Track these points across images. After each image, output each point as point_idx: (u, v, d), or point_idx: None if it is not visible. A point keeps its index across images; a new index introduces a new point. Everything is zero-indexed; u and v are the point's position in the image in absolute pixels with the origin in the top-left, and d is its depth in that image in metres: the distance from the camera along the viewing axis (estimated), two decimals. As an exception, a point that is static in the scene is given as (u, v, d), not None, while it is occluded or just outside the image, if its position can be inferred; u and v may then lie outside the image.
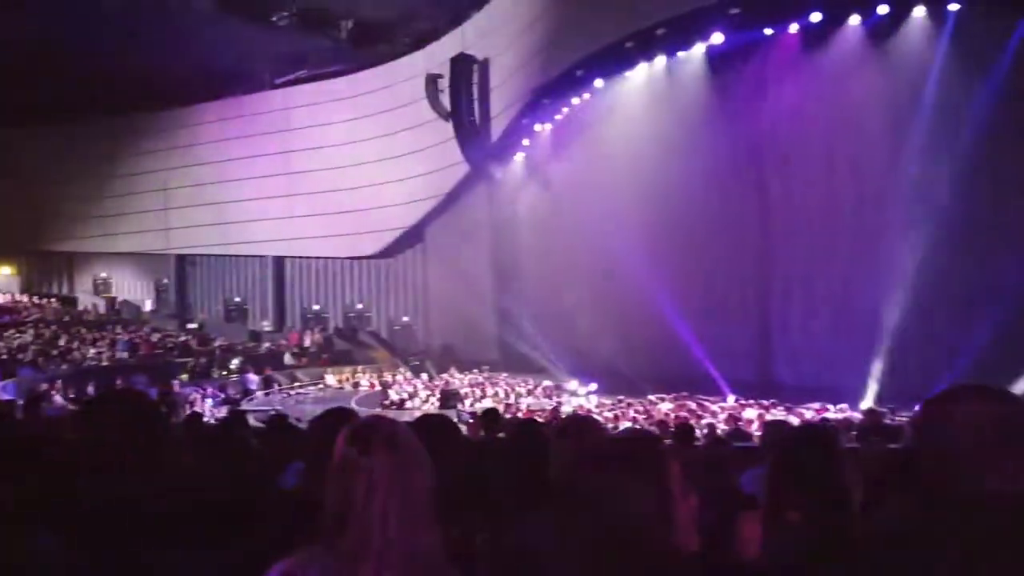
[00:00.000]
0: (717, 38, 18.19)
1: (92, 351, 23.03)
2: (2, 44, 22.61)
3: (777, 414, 14.05)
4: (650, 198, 19.72)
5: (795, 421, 11.45)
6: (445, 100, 23.73)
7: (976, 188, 15.30)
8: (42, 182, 31.80)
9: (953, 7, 15.79)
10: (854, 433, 8.61)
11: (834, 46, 17.28)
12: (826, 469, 2.17)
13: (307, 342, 27.86)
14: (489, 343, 25.04)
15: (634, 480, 1.59)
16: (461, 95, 23.14)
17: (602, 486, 1.60)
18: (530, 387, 20.87)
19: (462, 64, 23.21)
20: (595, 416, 13.02)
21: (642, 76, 20.50)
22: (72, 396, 16.96)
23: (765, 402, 15.65)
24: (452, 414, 14.65)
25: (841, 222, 17.46)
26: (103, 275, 34.70)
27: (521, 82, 21.78)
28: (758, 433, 10.05)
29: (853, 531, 1.98)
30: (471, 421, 10.40)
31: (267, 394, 22.13)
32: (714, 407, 15.68)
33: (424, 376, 24.15)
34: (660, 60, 19.87)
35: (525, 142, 24.07)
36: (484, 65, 23.39)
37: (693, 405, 15.89)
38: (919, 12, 16.34)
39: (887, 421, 10.33)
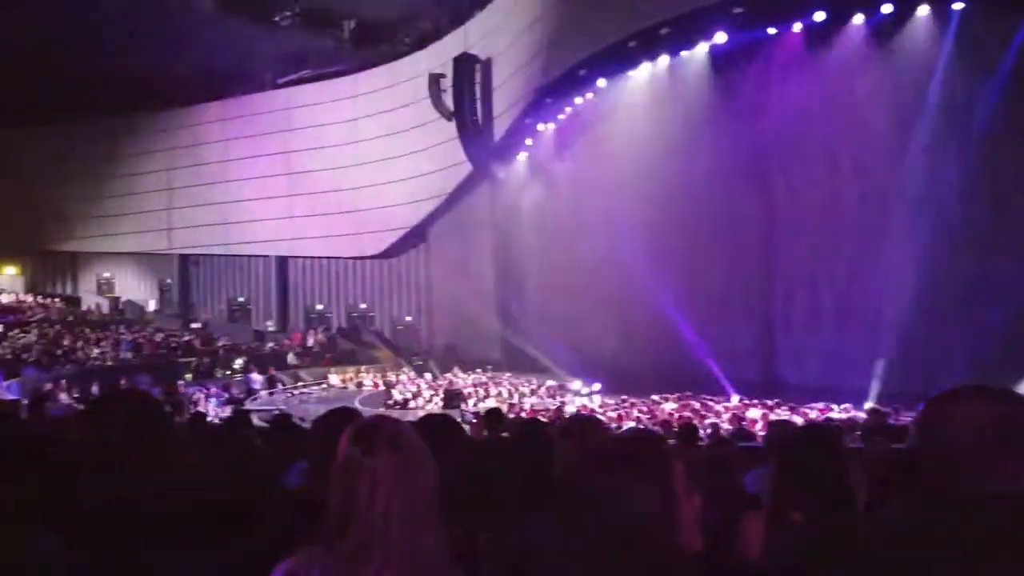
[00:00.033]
0: (720, 37, 18.16)
1: (96, 351, 23.07)
2: (3, 44, 22.65)
3: (781, 414, 14.02)
4: (653, 198, 19.69)
5: (799, 421, 11.43)
6: (448, 100, 23.74)
7: (981, 187, 15.26)
8: (45, 182, 31.86)
9: (957, 6, 15.75)
10: (858, 433, 8.60)
11: (838, 45, 17.24)
12: (829, 469, 2.17)
13: (310, 342, 27.89)
14: (492, 343, 25.04)
15: (637, 480, 1.59)
16: (464, 95, 23.15)
17: (605, 486, 1.60)
18: (533, 387, 20.87)
19: (465, 64, 23.22)
20: (598, 416, 13.01)
21: (645, 76, 20.47)
22: (76, 396, 16.99)
23: (769, 402, 15.62)
24: (455, 414, 14.65)
25: (845, 221, 17.41)
26: (106, 275, 34.78)
27: (524, 81, 21.77)
28: (762, 433, 10.03)
29: (856, 531, 1.97)
30: (474, 421, 10.39)
31: (271, 394, 22.16)
32: (718, 407, 15.66)
33: (427, 376, 24.16)
34: (663, 59, 19.84)
35: (528, 142, 24.06)
36: (487, 64, 23.39)
37: (697, 405, 15.86)
38: (923, 11, 16.30)
39: (891, 421, 10.31)
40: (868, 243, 16.85)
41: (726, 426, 11.58)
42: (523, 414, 15.67)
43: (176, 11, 22.83)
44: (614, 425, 12.03)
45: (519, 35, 21.79)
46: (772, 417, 13.33)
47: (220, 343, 26.82)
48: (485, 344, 25.04)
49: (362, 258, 29.14)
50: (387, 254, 28.38)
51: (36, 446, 2.45)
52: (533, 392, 20.28)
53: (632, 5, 18.11)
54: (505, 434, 5.56)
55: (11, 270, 34.77)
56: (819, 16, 17.01)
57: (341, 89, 27.78)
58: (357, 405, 14.24)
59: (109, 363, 22.12)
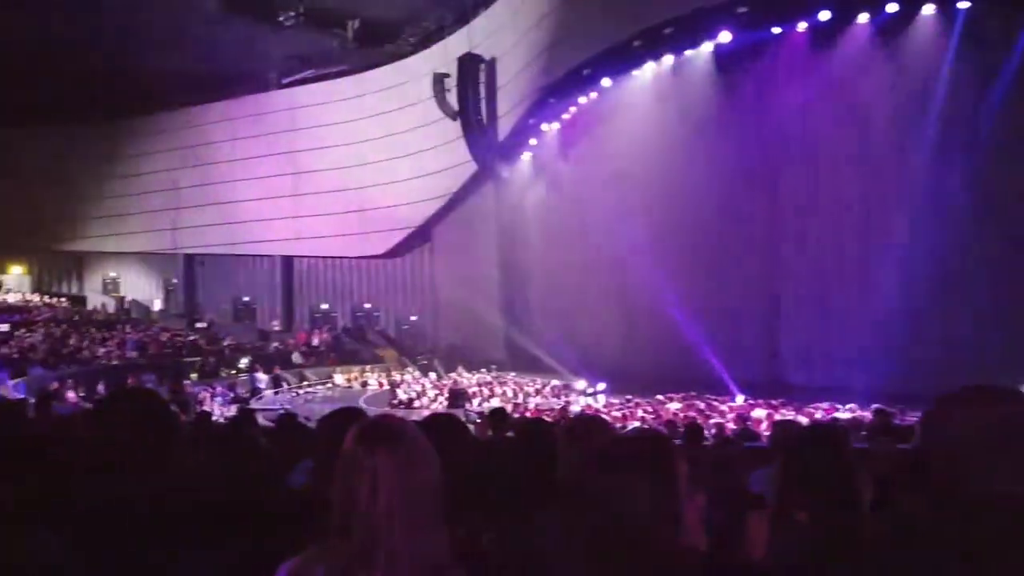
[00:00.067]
0: (725, 37, 18.14)
1: (101, 350, 23.13)
2: (4, 44, 22.74)
3: (786, 414, 13.98)
4: (658, 197, 19.68)
5: (804, 421, 11.40)
6: (452, 99, 23.75)
7: (986, 187, 15.23)
8: (50, 182, 31.96)
9: (962, 5, 15.71)
10: (864, 433, 8.57)
11: (843, 44, 17.22)
12: (834, 469, 2.17)
13: (315, 341, 27.93)
14: (497, 342, 25.04)
15: (642, 480, 1.59)
16: (468, 94, 23.16)
17: (610, 485, 1.60)
18: (538, 386, 20.84)
19: (469, 63, 23.22)
20: (603, 416, 13.00)
21: (649, 75, 20.46)
22: (82, 395, 17.03)
23: (774, 402, 15.59)
24: (459, 413, 14.66)
25: (850, 220, 17.39)
26: (112, 275, 34.89)
27: (528, 81, 21.77)
28: (767, 433, 10.01)
29: (861, 531, 1.97)
30: (478, 421, 10.39)
31: (276, 393, 22.18)
32: (723, 407, 15.62)
33: (432, 375, 24.17)
34: (667, 59, 19.83)
35: (532, 141, 24.07)
36: (491, 64, 23.40)
37: (702, 405, 15.82)
38: (928, 10, 16.26)
39: (897, 421, 10.27)
40: (873, 242, 16.82)
41: (731, 426, 11.55)
42: (528, 414, 15.66)
43: (181, 11, 22.89)
44: (619, 425, 12.02)
45: (524, 35, 21.79)
46: (777, 417, 13.29)
47: (225, 342, 26.88)
48: (490, 343, 25.04)
49: (367, 258, 29.17)
50: (392, 254, 28.41)
51: (36, 446, 2.46)
52: (538, 392, 20.26)
53: (636, 5, 18.11)
54: (509, 434, 5.55)
55: (17, 270, 34.91)
56: (824, 15, 16.98)
57: (346, 89, 27.80)
58: (362, 404, 14.26)
59: (115, 362, 22.17)
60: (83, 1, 21.76)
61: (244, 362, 24.21)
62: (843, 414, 13.59)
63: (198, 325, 29.70)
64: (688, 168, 19.07)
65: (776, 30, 17.88)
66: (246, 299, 32.20)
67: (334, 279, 30.61)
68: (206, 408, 15.90)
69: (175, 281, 33.33)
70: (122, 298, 33.68)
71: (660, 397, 16.83)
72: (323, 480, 1.82)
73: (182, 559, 1.77)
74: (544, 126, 23.46)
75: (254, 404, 19.03)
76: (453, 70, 23.58)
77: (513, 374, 22.92)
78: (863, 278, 16.92)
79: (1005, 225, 15.13)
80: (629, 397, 17.27)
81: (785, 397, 15.94)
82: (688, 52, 19.30)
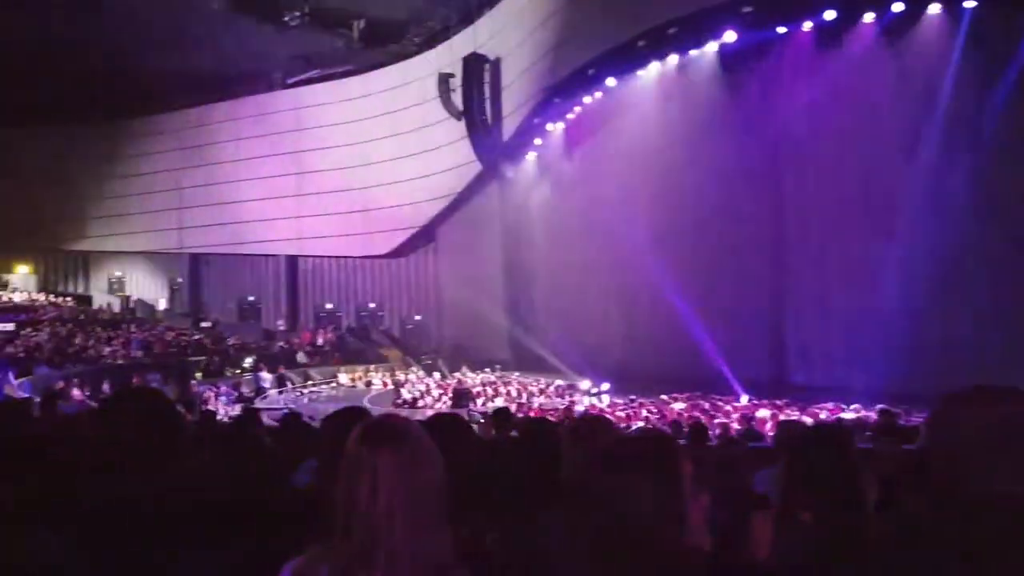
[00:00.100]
0: (730, 36, 18.11)
1: (107, 350, 23.20)
2: (7, 44, 22.82)
3: (791, 414, 13.96)
4: (662, 197, 19.66)
5: (809, 421, 11.38)
6: (457, 99, 23.75)
7: (989, 187, 15.18)
8: (50, 182, 32.06)
9: (969, 4, 15.65)
10: (868, 433, 8.55)
11: (848, 44, 17.17)
12: (839, 469, 2.16)
13: (320, 341, 27.97)
14: (501, 342, 25.05)
15: (646, 480, 1.58)
16: (473, 94, 23.16)
17: (614, 486, 1.60)
18: (542, 386, 20.84)
19: (474, 63, 23.22)
20: (607, 416, 12.99)
21: (654, 75, 20.43)
22: (87, 394, 17.07)
23: (779, 402, 15.56)
24: (463, 413, 14.66)
25: (855, 221, 17.33)
26: (117, 274, 34.99)
27: (533, 81, 21.76)
28: (771, 433, 9.99)
29: (865, 531, 1.97)
30: (482, 420, 10.39)
31: (280, 392, 22.22)
32: (727, 407, 15.60)
33: (436, 375, 24.18)
34: (672, 59, 19.80)
35: (537, 141, 24.06)
36: (496, 64, 23.39)
37: (706, 405, 15.80)
38: (934, 9, 16.21)
39: (901, 422, 10.25)
40: (878, 242, 16.77)
41: (736, 426, 11.54)
42: (532, 414, 15.66)
43: (187, 12, 22.94)
44: (623, 425, 12.01)
45: (528, 34, 21.79)
46: (782, 417, 13.27)
47: (230, 342, 26.93)
48: (494, 343, 25.05)
49: (371, 257, 29.21)
50: (396, 253, 28.43)
51: (37, 446, 2.46)
52: (542, 392, 20.25)
53: (641, 4, 18.09)
54: (513, 433, 5.55)
55: (24, 269, 35.04)
56: (829, 15, 16.94)
57: (351, 89, 27.84)
58: (366, 404, 14.28)
59: (120, 361, 22.24)
60: (83, 1, 21.80)
61: (248, 361, 24.27)
62: (848, 414, 13.57)
63: (203, 324, 29.77)
64: (692, 168, 19.05)
65: (781, 30, 17.83)
66: (251, 299, 32.26)
67: (339, 279, 30.65)
68: (210, 407, 15.93)
69: (180, 281, 33.41)
70: (127, 297, 33.78)
71: (664, 397, 16.81)
72: (327, 480, 1.82)
73: (186, 559, 1.77)
74: (549, 126, 23.45)
75: (258, 403, 19.07)
76: (458, 70, 23.59)
77: (517, 374, 22.92)
78: (867, 278, 16.88)
79: (1008, 226, 15.08)
80: (633, 397, 17.26)
81: (789, 397, 15.92)
82: (693, 52, 19.27)
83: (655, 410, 15.43)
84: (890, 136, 16.75)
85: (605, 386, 19.75)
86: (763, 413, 14.30)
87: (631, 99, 20.88)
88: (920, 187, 15.92)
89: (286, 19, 23.97)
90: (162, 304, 33.26)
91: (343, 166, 27.94)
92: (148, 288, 34.09)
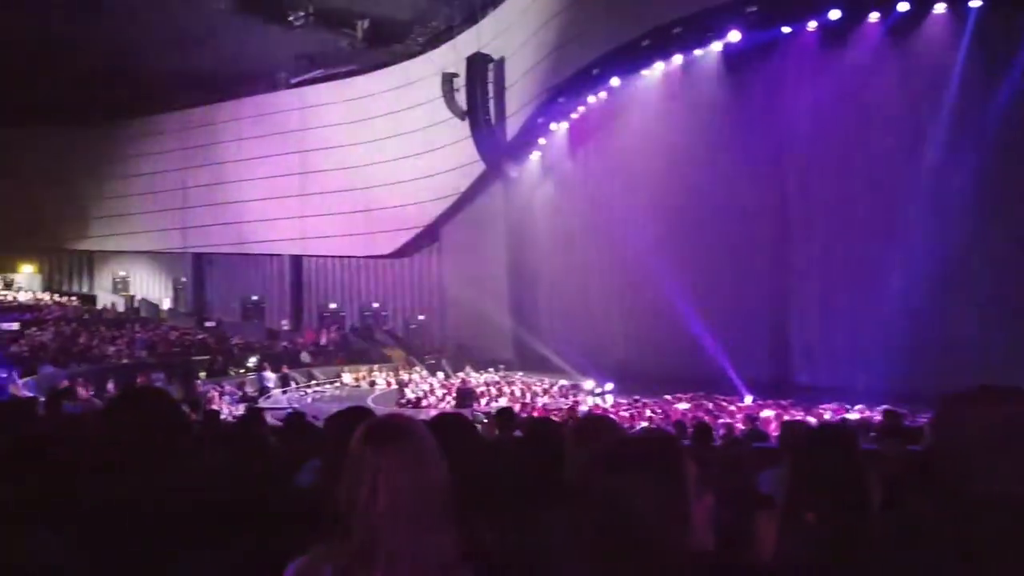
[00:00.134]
0: (734, 36, 18.08)
1: (111, 349, 23.25)
2: (7, 44, 22.87)
3: (795, 414, 13.93)
4: (666, 197, 19.64)
5: (813, 421, 11.36)
6: (461, 99, 23.77)
7: (996, 187, 15.13)
8: (51, 182, 32.14)
9: (974, 3, 15.60)
10: (873, 434, 8.53)
11: (853, 44, 17.13)
12: (843, 470, 2.16)
13: (324, 340, 28.00)
14: (505, 342, 25.05)
15: (649, 480, 1.58)
16: (477, 94, 23.17)
17: (617, 486, 1.59)
18: (546, 386, 20.83)
19: (478, 63, 23.23)
20: (611, 416, 12.98)
21: (658, 75, 20.41)
22: (92, 392, 17.11)
23: (783, 402, 15.54)
24: (467, 413, 14.66)
25: (859, 221, 17.30)
26: (122, 274, 35.08)
27: (537, 81, 21.76)
28: (776, 433, 9.98)
29: (869, 532, 1.96)
30: (486, 420, 10.39)
31: (284, 392, 22.25)
32: (731, 407, 15.58)
33: (440, 375, 24.19)
34: (677, 58, 19.77)
35: (541, 141, 24.05)
36: (500, 64, 23.40)
37: (710, 405, 15.79)
38: (939, 9, 16.17)
39: (906, 422, 10.23)
40: (883, 242, 16.74)
41: (740, 426, 11.52)
42: (535, 413, 15.66)
43: (192, 12, 22.98)
44: (627, 425, 12.01)
45: (532, 34, 21.79)
46: (786, 418, 13.25)
47: (234, 341, 26.98)
48: (497, 343, 25.06)
49: (375, 257, 29.24)
50: (400, 253, 28.46)
51: (38, 446, 2.46)
52: (545, 392, 20.24)
53: (645, 4, 18.07)
54: (517, 433, 5.55)
55: (28, 269, 35.15)
56: (834, 14, 16.89)
57: (354, 89, 27.87)
58: (370, 404, 14.28)
59: (124, 361, 22.29)
60: (83, 1, 21.84)
61: (252, 361, 24.30)
62: (853, 415, 13.54)
63: (207, 324, 29.84)
64: (697, 167, 19.03)
65: (786, 29, 17.80)
66: (255, 298, 32.32)
67: (343, 279, 30.69)
68: (214, 407, 15.94)
69: (184, 280, 33.48)
70: (132, 297, 33.87)
71: (668, 397, 16.80)
72: (331, 479, 1.82)
73: (187, 559, 1.77)
74: (553, 125, 23.43)
75: (262, 403, 19.08)
76: (462, 70, 23.61)
77: (521, 374, 22.92)
78: (871, 278, 16.84)
79: (1012, 226, 15.04)
80: (637, 397, 17.24)
81: (793, 397, 15.89)
82: (697, 51, 19.24)
83: (659, 410, 15.41)
84: (894, 136, 16.71)
85: (609, 386, 19.74)
86: (767, 413, 14.29)
87: (635, 99, 20.86)
88: (924, 187, 15.88)
89: (290, 19, 24.02)
90: (166, 304, 33.33)
91: (347, 166, 27.97)
92: (152, 288, 34.17)
